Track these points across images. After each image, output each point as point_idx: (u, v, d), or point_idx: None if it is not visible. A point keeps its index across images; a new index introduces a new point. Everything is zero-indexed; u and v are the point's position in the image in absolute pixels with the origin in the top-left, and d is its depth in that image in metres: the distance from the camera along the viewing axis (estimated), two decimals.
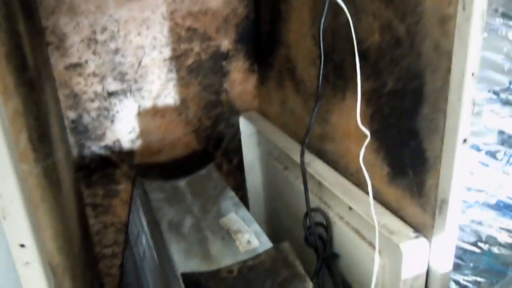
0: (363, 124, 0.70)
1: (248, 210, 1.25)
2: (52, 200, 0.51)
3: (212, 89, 1.09)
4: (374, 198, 0.73)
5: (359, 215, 0.71)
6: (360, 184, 0.76)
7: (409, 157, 0.63)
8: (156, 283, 0.85)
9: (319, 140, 0.87)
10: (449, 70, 0.53)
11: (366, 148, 0.68)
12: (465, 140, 0.55)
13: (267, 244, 0.76)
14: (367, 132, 0.67)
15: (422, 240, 0.63)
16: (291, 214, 1.01)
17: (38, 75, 0.65)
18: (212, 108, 1.11)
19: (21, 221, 0.39)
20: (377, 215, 0.69)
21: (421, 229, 0.64)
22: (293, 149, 0.92)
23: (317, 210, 0.84)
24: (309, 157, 0.88)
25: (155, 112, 1.06)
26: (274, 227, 1.20)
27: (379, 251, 0.68)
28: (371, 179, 0.72)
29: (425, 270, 0.65)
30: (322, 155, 0.87)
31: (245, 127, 1.12)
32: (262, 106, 1.14)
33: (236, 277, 0.69)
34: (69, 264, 0.56)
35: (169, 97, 1.06)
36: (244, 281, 0.68)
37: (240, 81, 1.11)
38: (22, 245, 0.40)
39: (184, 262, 0.73)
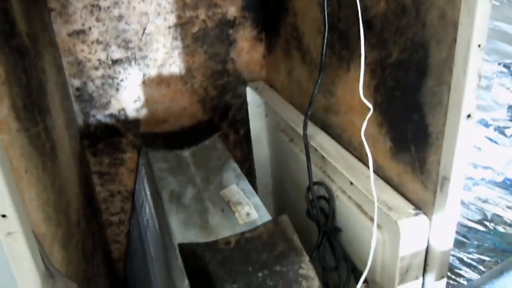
0: (367, 96, 0.68)
1: (255, 180, 1.25)
2: (40, 170, 0.51)
3: (218, 58, 1.07)
4: (376, 173, 0.72)
5: (360, 190, 0.69)
6: (362, 158, 0.75)
7: (411, 131, 0.61)
8: (157, 252, 0.86)
9: (324, 112, 0.84)
10: (454, 41, 0.50)
11: (369, 121, 0.66)
12: (469, 115, 0.52)
13: (266, 217, 0.75)
14: (370, 105, 0.64)
15: (422, 217, 0.61)
16: (296, 186, 1.00)
17: (34, 42, 0.64)
18: (218, 77, 1.09)
19: (1, 191, 0.39)
20: (378, 191, 0.67)
21: (422, 206, 0.62)
22: (298, 122, 0.90)
23: (320, 183, 0.83)
24: (313, 130, 0.86)
25: (160, 81, 1.04)
26: (280, 198, 1.19)
27: (379, 227, 0.66)
28: (373, 154, 0.70)
29: (424, 248, 0.63)
30: (326, 128, 0.85)
31: (252, 97, 1.10)
32: (270, 76, 1.11)
33: (233, 249, 0.69)
34: (61, 233, 0.56)
35: (174, 65, 1.04)
36: (241, 253, 0.68)
37: (247, 50, 1.08)
38: (4, 215, 0.39)
39: (183, 233, 0.73)
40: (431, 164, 0.59)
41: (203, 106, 1.10)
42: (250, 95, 1.11)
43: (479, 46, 0.49)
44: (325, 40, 0.74)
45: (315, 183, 0.83)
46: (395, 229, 0.61)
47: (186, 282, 0.62)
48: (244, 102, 1.13)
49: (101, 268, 0.91)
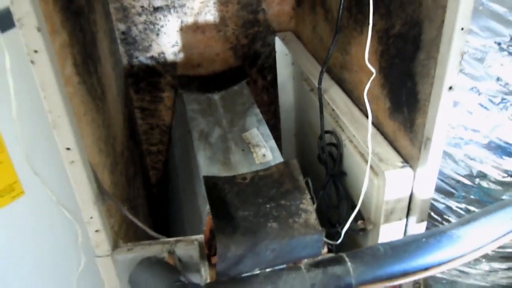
0: (373, 60, 0.76)
1: (279, 123, 1.36)
2: (94, 112, 0.64)
3: (250, 8, 1.14)
4: (377, 128, 0.81)
5: (360, 142, 0.79)
6: (367, 114, 0.84)
7: (405, 96, 0.70)
8: (186, 181, 1.01)
9: (340, 68, 0.93)
10: (442, 23, 0.58)
11: (373, 83, 0.75)
12: (450, 87, 0.61)
13: (279, 159, 0.87)
14: (373, 69, 0.73)
15: (407, 170, 0.72)
16: (313, 131, 1.10)
17: None
18: (249, 26, 1.17)
19: (67, 130, 0.52)
20: (375, 144, 0.77)
21: (409, 160, 0.72)
22: (318, 74, 0.99)
23: (331, 132, 0.93)
24: (329, 84, 0.95)
25: (196, 28, 1.14)
26: (300, 140, 1.31)
27: (376, 174, 0.77)
28: (375, 111, 0.80)
29: (408, 195, 0.74)
30: (341, 83, 0.94)
31: (280, 47, 1.19)
32: (298, 27, 1.19)
33: (248, 183, 0.82)
34: (109, 162, 0.70)
35: (209, 14, 1.13)
36: (254, 188, 0.81)
37: (277, 1, 1.15)
38: (68, 148, 0.53)
39: (208, 167, 0.87)
40: (418, 125, 0.68)
41: (234, 53, 1.20)
42: (279, 44, 1.19)
43: (462, 29, 0.56)
44: (342, 2, 0.81)
45: (327, 132, 0.94)
46: (383, 178, 0.72)
47: (208, 207, 0.76)
48: (273, 51, 1.21)
49: (141, 190, 1.08)
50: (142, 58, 1.16)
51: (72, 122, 0.52)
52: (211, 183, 0.82)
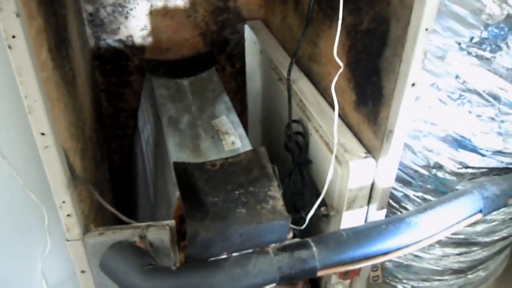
0: (341, 54, 0.79)
1: (247, 110, 1.38)
2: (66, 97, 0.64)
3: None
4: (342, 119, 0.85)
5: (326, 132, 0.83)
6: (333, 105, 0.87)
7: (371, 90, 0.73)
8: (155, 166, 1.01)
9: (308, 60, 0.96)
10: (408, 22, 0.61)
11: (340, 75, 0.78)
12: (413, 84, 0.65)
13: (248, 146, 0.89)
14: (341, 64, 0.76)
15: (370, 160, 0.76)
16: (280, 120, 1.13)
17: None
18: (219, 13, 1.18)
19: (41, 115, 0.51)
20: (340, 134, 0.81)
21: (372, 151, 0.76)
22: (286, 65, 1.01)
23: (298, 121, 0.96)
24: (297, 74, 0.98)
25: (166, 12, 1.14)
26: (267, 128, 1.33)
27: (340, 163, 0.81)
28: (341, 103, 0.83)
29: (369, 184, 0.78)
30: (309, 74, 0.97)
31: (250, 35, 1.20)
32: (267, 17, 1.20)
33: (218, 170, 0.84)
34: (80, 147, 0.70)
35: None
36: (223, 174, 0.83)
37: None
38: (43, 133, 0.53)
39: (177, 153, 0.88)
40: (381, 118, 0.72)
41: (203, 39, 1.21)
42: (248, 32, 1.21)
43: (426, 29, 0.60)
44: None
45: (294, 121, 0.96)
46: (347, 167, 0.76)
47: (178, 193, 0.77)
48: (242, 38, 1.22)
49: (107, 174, 1.08)
50: (110, 40, 1.14)
51: (47, 108, 0.52)
52: (181, 169, 0.83)
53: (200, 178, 0.82)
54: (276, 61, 1.06)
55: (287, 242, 0.72)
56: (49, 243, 0.81)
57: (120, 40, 1.15)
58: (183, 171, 0.83)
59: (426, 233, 0.71)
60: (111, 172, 1.24)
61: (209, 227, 0.74)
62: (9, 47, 0.47)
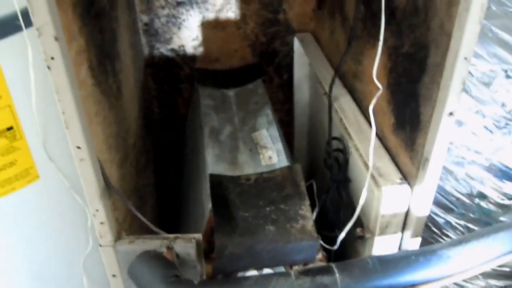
0: (381, 75, 0.77)
1: (293, 121, 1.38)
2: (107, 111, 0.67)
3: (271, 7, 1.16)
4: (381, 141, 0.83)
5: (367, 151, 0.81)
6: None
7: (409, 115, 0.71)
8: (193, 175, 1.04)
9: (352, 77, 0.94)
10: (447, 50, 0.59)
11: (381, 97, 0.76)
12: (451, 113, 0.62)
13: (284, 162, 0.89)
14: (380, 86, 0.74)
15: (405, 186, 0.73)
16: (324, 134, 1.12)
17: None
18: (269, 25, 1.19)
19: (77, 130, 0.55)
20: (377, 157, 0.79)
21: (408, 178, 0.74)
22: (330, 80, 1.00)
23: (338, 139, 0.95)
24: (340, 91, 0.97)
25: (217, 24, 1.16)
26: (312, 139, 1.33)
27: (377, 185, 0.79)
28: (380, 125, 0.81)
29: (404, 211, 0.76)
30: (352, 91, 0.95)
31: (299, 47, 1.20)
32: (317, 29, 1.20)
33: (251, 185, 0.85)
34: (119, 157, 0.74)
35: (230, 11, 1.15)
36: (256, 189, 0.84)
37: (298, 2, 1.16)
38: (78, 147, 0.57)
39: (214, 165, 0.90)
40: (418, 145, 0.69)
41: (252, 50, 1.22)
42: (297, 44, 1.21)
43: (465, 58, 0.57)
44: (357, 14, 0.82)
45: (334, 138, 0.95)
46: (380, 192, 0.74)
47: (210, 205, 0.79)
48: (291, 50, 1.23)
49: (151, 179, 1.12)
50: (163, 49, 1.19)
51: (83, 123, 0.55)
52: (216, 181, 0.85)
53: (234, 191, 0.83)
54: (321, 76, 1.05)
55: (310, 265, 0.72)
56: (91, 242, 0.86)
57: (172, 49, 1.19)
58: (218, 184, 0.85)
59: (459, 268, 0.68)
60: (159, 176, 1.29)
61: (237, 242, 0.75)
62: (48, 67, 0.50)
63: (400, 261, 0.67)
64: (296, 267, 0.74)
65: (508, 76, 0.66)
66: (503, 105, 0.69)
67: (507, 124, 0.71)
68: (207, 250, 0.81)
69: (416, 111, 0.68)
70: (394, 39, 0.73)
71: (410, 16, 0.67)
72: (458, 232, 0.91)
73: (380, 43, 0.71)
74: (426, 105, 0.66)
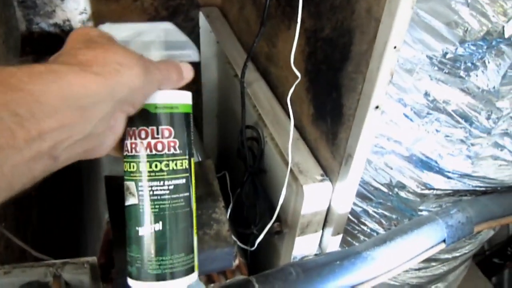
0: (299, 60, 0.70)
1: (202, 103, 1.27)
2: None
3: None
4: (299, 131, 0.76)
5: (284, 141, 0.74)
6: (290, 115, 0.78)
7: (330, 106, 0.65)
8: (88, 180, 0.90)
9: (266, 60, 0.86)
10: (375, 37, 0.52)
11: (299, 84, 0.69)
12: (377, 107, 0.56)
13: (194, 157, 0.79)
14: (299, 74, 0.66)
15: (327, 183, 0.67)
16: (236, 119, 1.03)
17: None
18: None
19: None
20: (295, 150, 0.72)
21: (329, 173, 0.68)
22: (241, 62, 0.91)
23: (252, 127, 0.87)
24: (253, 75, 0.88)
25: None
26: (222, 124, 1.24)
27: (295, 179, 0.72)
28: (299, 115, 0.74)
29: (325, 209, 0.70)
30: (266, 75, 0.87)
31: (204, 23, 1.09)
32: (225, 4, 1.09)
33: None
34: None
35: None
36: None
37: None
38: None
39: (111, 164, 0.77)
40: (340, 140, 0.63)
41: None
42: (203, 20, 1.09)
43: (395, 47, 0.51)
44: None
45: (248, 127, 0.87)
46: (301, 191, 0.67)
47: (107, 215, 0.67)
48: (196, 26, 1.11)
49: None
50: (44, 24, 1.00)
51: None
52: (114, 184, 0.73)
53: None
54: (230, 56, 0.95)
55: (228, 281, 0.64)
56: None
57: (56, 24, 1.01)
58: (116, 188, 0.72)
59: (384, 268, 0.64)
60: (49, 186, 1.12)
61: None
62: None
63: (324, 267, 0.62)
64: (212, 285, 0.65)
65: (432, 64, 0.61)
66: (426, 93, 0.65)
67: (428, 113, 0.67)
68: (105, 265, 0.70)
69: (338, 102, 0.62)
70: (313, 21, 0.65)
71: None
72: (376, 220, 0.88)
73: (298, 26, 0.63)
74: (349, 96, 0.59)
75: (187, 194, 0.51)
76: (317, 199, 0.68)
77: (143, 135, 0.47)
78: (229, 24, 1.05)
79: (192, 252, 0.52)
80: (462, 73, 0.61)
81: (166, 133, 0.48)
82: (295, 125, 0.73)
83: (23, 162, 0.31)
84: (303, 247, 0.74)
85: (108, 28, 0.47)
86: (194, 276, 0.52)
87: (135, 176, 0.49)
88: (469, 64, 0.60)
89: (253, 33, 0.90)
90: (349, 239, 0.93)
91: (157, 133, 0.47)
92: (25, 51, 1.01)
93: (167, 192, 0.49)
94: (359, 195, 0.86)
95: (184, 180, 0.50)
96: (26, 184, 0.33)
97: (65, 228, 1.05)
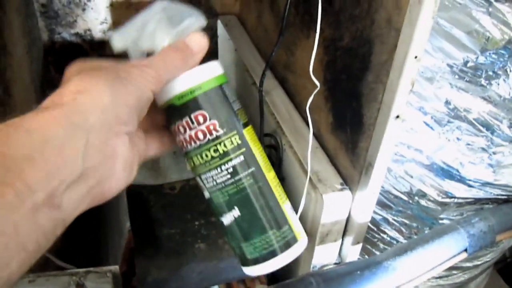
0: (318, 69, 0.70)
1: None
2: None
3: None
4: (318, 140, 0.76)
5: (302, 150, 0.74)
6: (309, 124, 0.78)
7: (350, 115, 0.64)
8: None
9: (284, 68, 0.86)
10: (395, 47, 0.52)
11: (317, 93, 0.69)
12: (398, 116, 0.56)
13: None
14: (317, 83, 0.66)
15: (346, 192, 0.67)
16: (254, 127, 1.04)
17: None
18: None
19: None
20: (314, 159, 0.72)
21: (349, 182, 0.68)
22: (259, 70, 0.91)
23: (271, 135, 0.87)
24: (271, 83, 0.88)
25: (129, 5, 1.02)
26: None
27: (314, 188, 0.72)
28: (317, 123, 0.74)
29: (345, 218, 0.70)
30: (284, 83, 0.87)
31: (223, 31, 1.09)
32: (243, 12, 1.10)
33: (177, 194, 0.75)
34: None
35: None
36: (183, 200, 0.74)
37: None
38: None
39: None
40: (360, 149, 0.63)
41: None
42: (221, 29, 1.10)
43: (415, 57, 0.51)
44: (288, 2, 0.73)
45: (266, 135, 0.87)
46: (321, 200, 0.67)
47: (128, 223, 0.68)
48: (215, 35, 1.12)
49: None
50: (66, 34, 1.02)
51: None
52: (134, 193, 0.74)
53: (156, 204, 0.73)
54: (248, 64, 0.96)
55: None
56: None
57: (77, 34, 1.03)
58: (137, 196, 0.73)
59: (405, 278, 0.64)
60: None
61: (162, 266, 0.65)
62: None
63: (345, 277, 0.61)
64: None
65: (453, 72, 0.61)
66: (446, 102, 0.64)
67: (449, 121, 0.66)
68: (128, 272, 0.71)
69: (358, 112, 0.62)
70: (332, 30, 0.65)
71: (351, 6, 0.59)
72: (396, 228, 0.87)
73: (317, 35, 0.63)
74: (369, 106, 0.59)
75: (252, 169, 0.48)
76: (337, 208, 0.68)
77: (182, 130, 0.46)
78: (247, 32, 1.05)
79: (286, 223, 0.50)
80: (483, 82, 0.61)
81: (201, 119, 0.46)
82: (313, 133, 0.73)
83: (22, 218, 0.30)
84: (322, 256, 0.74)
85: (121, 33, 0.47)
86: (298, 246, 0.51)
87: (195, 171, 0.48)
88: (491, 73, 0.59)
89: (271, 41, 0.91)
90: (368, 247, 0.93)
91: (192, 123, 0.46)
92: (47, 60, 1.03)
93: (228, 176, 0.46)
94: (379, 203, 0.86)
95: (242, 157, 0.47)
96: (41, 241, 0.32)
97: (86, 236, 1.07)
